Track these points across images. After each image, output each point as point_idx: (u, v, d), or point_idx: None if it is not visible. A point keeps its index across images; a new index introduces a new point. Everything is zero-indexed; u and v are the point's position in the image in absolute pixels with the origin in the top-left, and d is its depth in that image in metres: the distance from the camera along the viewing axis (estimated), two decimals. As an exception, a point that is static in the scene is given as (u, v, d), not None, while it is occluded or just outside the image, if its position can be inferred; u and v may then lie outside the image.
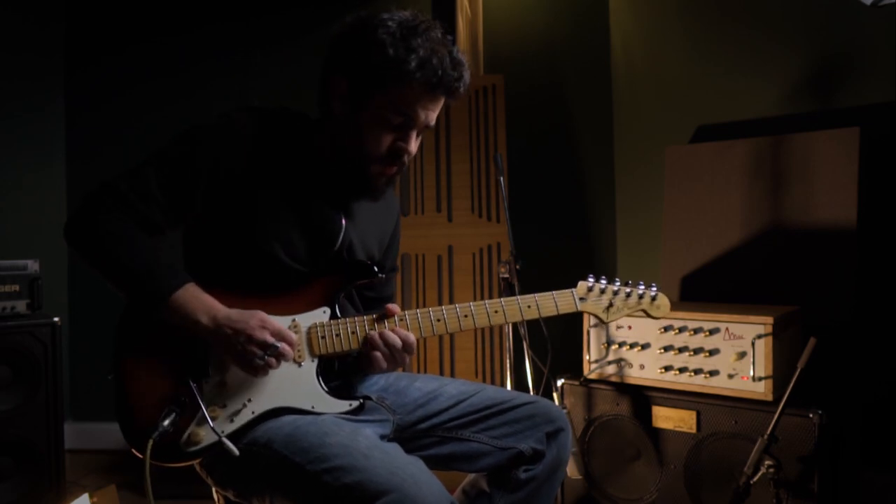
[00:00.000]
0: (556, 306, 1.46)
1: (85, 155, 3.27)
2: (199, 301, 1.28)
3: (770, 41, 2.56)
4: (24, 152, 3.13)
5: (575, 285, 1.50)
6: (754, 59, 2.59)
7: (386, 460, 1.19)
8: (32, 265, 2.43)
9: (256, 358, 1.26)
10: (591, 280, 1.50)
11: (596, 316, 1.50)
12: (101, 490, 2.37)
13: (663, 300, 1.54)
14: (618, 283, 1.52)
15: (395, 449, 1.26)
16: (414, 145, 1.39)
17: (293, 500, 1.24)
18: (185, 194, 1.33)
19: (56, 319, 2.38)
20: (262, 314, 1.29)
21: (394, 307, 1.39)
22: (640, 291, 1.52)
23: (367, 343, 1.36)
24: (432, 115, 1.38)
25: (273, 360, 1.28)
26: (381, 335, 1.35)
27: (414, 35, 1.31)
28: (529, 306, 1.44)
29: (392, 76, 1.31)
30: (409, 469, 1.19)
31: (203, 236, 1.40)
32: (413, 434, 1.48)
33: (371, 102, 1.34)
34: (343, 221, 1.44)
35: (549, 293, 1.46)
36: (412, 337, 1.37)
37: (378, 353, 1.35)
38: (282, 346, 1.28)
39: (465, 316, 1.41)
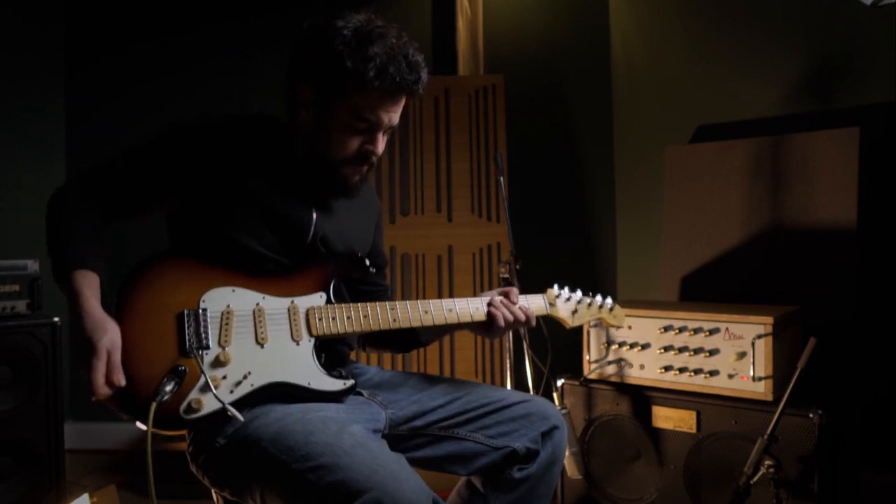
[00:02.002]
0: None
1: (85, 155, 3.26)
2: (82, 288, 1.29)
3: (770, 41, 2.56)
4: (24, 152, 3.13)
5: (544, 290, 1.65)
6: (754, 59, 2.59)
7: (368, 458, 1.20)
8: (32, 265, 2.43)
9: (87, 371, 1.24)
10: (556, 288, 1.67)
11: (562, 320, 1.67)
12: (101, 490, 2.37)
13: (619, 311, 1.77)
14: (579, 293, 1.70)
15: (379, 447, 1.27)
16: (381, 145, 1.45)
17: (282, 498, 1.25)
18: (153, 189, 1.41)
19: (56, 319, 2.38)
20: (97, 344, 1.22)
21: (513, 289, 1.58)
22: (599, 302, 1.73)
23: (494, 306, 1.52)
24: (395, 116, 1.44)
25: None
26: (507, 302, 1.53)
27: (369, 42, 1.35)
28: None
29: (351, 86, 1.36)
30: (391, 466, 1.20)
31: (185, 225, 1.45)
32: (407, 432, 1.48)
33: (334, 111, 1.40)
34: (314, 215, 1.48)
35: (522, 296, 1.60)
36: (533, 320, 1.56)
37: (501, 314, 1.51)
38: (95, 385, 1.22)
39: (450, 310, 1.51)
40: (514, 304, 1.54)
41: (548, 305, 1.64)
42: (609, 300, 1.75)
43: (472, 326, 1.56)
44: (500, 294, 1.56)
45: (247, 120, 1.48)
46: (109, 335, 1.25)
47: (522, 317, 1.53)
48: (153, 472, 1.28)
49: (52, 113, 3.25)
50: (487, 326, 1.54)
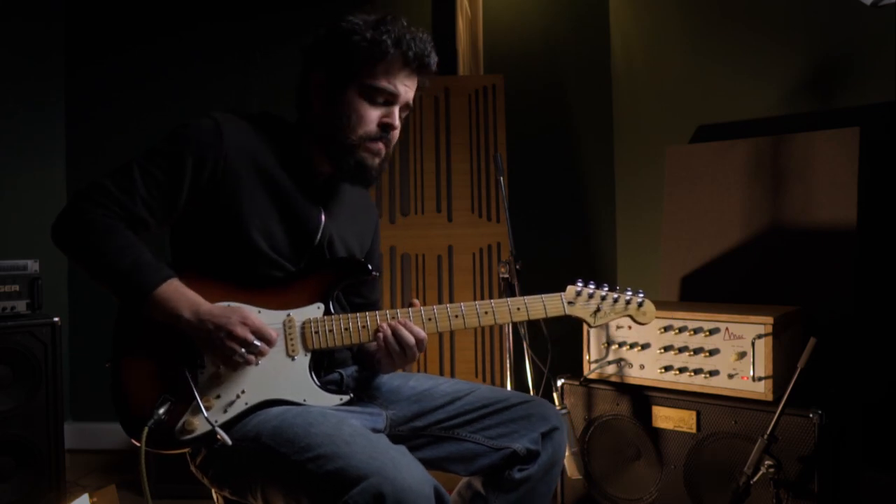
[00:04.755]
0: (545, 309, 1.49)
1: (85, 155, 3.27)
2: (182, 296, 1.30)
3: (770, 41, 2.56)
4: (24, 152, 3.13)
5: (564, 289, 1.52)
6: (754, 59, 2.59)
7: (367, 446, 1.20)
8: (32, 265, 2.43)
9: (236, 355, 1.30)
10: (579, 284, 1.52)
11: (583, 320, 1.53)
12: (101, 490, 2.37)
13: (649, 306, 1.56)
14: (605, 289, 1.54)
15: (379, 437, 1.27)
16: (398, 120, 1.46)
17: (282, 491, 1.25)
18: (170, 192, 1.36)
19: (56, 319, 2.38)
20: (244, 311, 1.32)
21: (416, 301, 1.46)
22: (627, 297, 1.54)
23: (378, 338, 1.39)
24: (410, 93, 1.46)
25: (252, 357, 1.32)
26: (394, 330, 1.39)
27: (383, 23, 1.42)
28: (519, 308, 1.47)
29: (370, 57, 1.40)
30: (390, 453, 1.20)
31: (192, 231, 1.43)
32: (407, 432, 1.49)
33: (351, 86, 1.42)
34: (322, 217, 1.47)
35: (539, 296, 1.49)
36: (423, 333, 1.41)
37: (388, 349, 1.39)
38: (261, 345, 1.32)
39: (456, 316, 1.44)
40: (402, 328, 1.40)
41: (566, 305, 1.50)
42: (640, 296, 1.55)
43: (377, 363, 1.49)
44: (395, 317, 1.42)
45: (253, 117, 1.48)
46: (233, 313, 1.30)
47: (411, 340, 1.39)
48: (153, 472, 1.28)
49: (52, 113, 3.25)
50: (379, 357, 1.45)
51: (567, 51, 3.05)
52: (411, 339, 1.39)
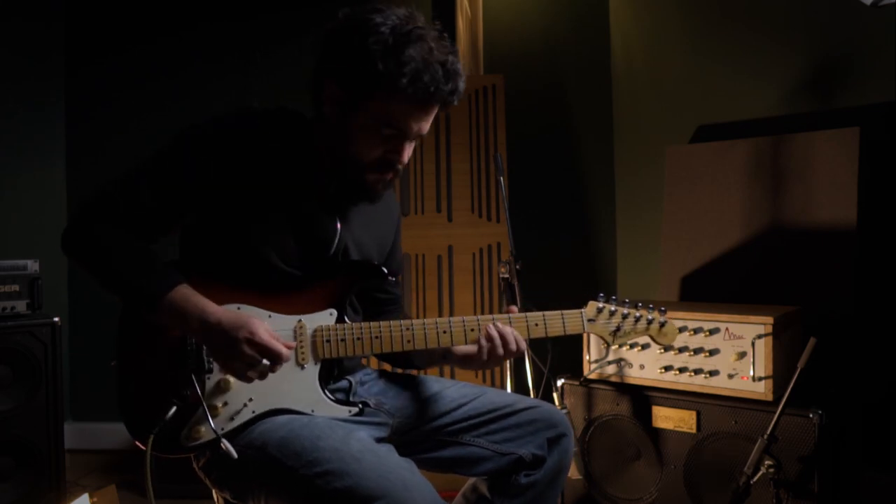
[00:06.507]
0: (564, 326, 1.45)
1: (85, 155, 3.27)
2: (190, 303, 1.26)
3: (770, 41, 2.56)
4: (24, 152, 3.13)
5: (583, 302, 1.48)
6: (754, 59, 2.59)
7: (376, 464, 1.19)
8: (32, 265, 2.43)
9: (240, 372, 1.26)
10: (601, 301, 1.47)
11: (602, 338, 1.49)
12: (101, 490, 2.37)
13: (671, 328, 1.51)
14: (627, 306, 1.48)
15: (387, 452, 1.26)
16: (407, 154, 1.37)
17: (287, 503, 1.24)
18: (176, 201, 1.33)
19: (56, 319, 2.38)
20: (252, 326, 1.25)
21: (513, 307, 1.46)
22: (650, 317, 1.49)
23: (481, 344, 1.39)
24: (425, 126, 1.35)
25: (255, 375, 1.27)
26: (501, 333, 1.39)
27: (406, 44, 1.26)
28: (537, 324, 1.43)
29: (382, 90, 1.28)
30: (400, 473, 1.19)
31: (201, 236, 1.40)
32: (414, 437, 1.48)
33: (360, 112, 1.31)
34: (338, 226, 1.42)
35: (559, 312, 1.44)
36: (523, 345, 1.41)
37: (492, 347, 1.38)
38: (268, 364, 1.26)
39: (472, 330, 1.40)
40: (509, 334, 1.40)
41: (586, 322, 1.45)
42: (662, 317, 1.50)
43: (461, 360, 1.47)
44: (503, 318, 1.42)
45: (266, 116, 1.40)
46: (241, 329, 1.24)
47: (514, 348, 1.40)
48: (153, 472, 1.28)
49: (52, 113, 3.25)
50: (476, 357, 1.42)
51: (567, 51, 3.05)
52: (513, 344, 1.39)
